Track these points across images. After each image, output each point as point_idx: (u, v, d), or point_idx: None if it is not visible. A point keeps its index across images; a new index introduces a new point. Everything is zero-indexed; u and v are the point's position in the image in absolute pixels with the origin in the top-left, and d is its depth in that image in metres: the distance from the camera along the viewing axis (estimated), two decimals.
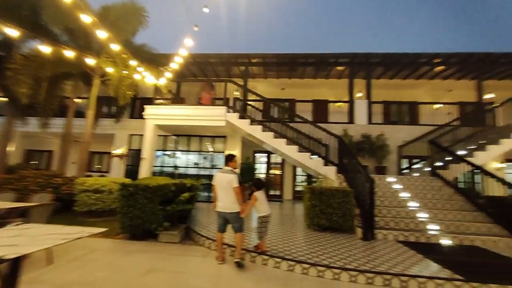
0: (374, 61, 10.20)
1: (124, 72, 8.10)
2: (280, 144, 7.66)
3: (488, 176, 5.72)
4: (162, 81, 7.96)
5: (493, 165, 8.86)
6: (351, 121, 9.77)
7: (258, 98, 9.25)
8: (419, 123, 10.62)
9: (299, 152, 7.59)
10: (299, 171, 11.84)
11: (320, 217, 5.18)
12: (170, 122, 8.31)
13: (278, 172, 12.00)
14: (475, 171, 6.57)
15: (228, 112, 8.11)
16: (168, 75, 7.62)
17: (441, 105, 10.89)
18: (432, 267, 3.43)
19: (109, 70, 7.68)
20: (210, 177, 9.81)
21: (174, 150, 10.35)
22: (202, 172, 10.07)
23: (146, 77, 7.47)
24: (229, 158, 3.97)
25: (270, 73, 12.00)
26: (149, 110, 8.36)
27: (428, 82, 12.00)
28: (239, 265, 3.55)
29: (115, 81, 8.20)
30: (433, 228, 5.07)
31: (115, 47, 5.64)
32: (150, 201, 4.57)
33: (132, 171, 10.36)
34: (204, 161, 10.31)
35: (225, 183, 3.73)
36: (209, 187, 9.72)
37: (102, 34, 5.05)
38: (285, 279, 3.26)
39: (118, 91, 8.34)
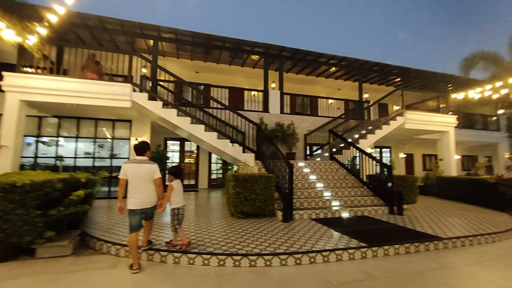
0: (285, 54, 10.87)
1: None
2: (199, 131, 7.11)
3: (370, 159, 7.14)
4: (31, 41, 5.81)
5: (368, 150, 11.31)
6: (265, 110, 10.18)
7: (171, 78, 8.22)
8: (319, 114, 12.26)
9: (219, 139, 7.28)
10: (214, 159, 11.57)
11: (244, 204, 5.12)
12: (48, 98, 6.25)
13: (192, 160, 11.33)
14: (357, 154, 8.19)
15: (134, 91, 6.84)
16: (43, 32, 5.60)
17: (333, 101, 12.93)
18: (343, 239, 3.94)
19: None
20: (110, 169, 8.18)
21: (56, 136, 7.98)
22: (98, 163, 8.25)
23: (2, 30, 5.24)
24: (146, 147, 3.40)
25: (183, 53, 10.93)
26: (10, 79, 6.01)
27: (325, 80, 13.95)
28: (149, 242, 3.56)
29: None
30: (335, 204, 5.94)
31: None
32: (21, 205, 3.24)
33: None
34: (100, 150, 8.45)
35: (144, 174, 3.14)
36: (110, 181, 8.12)
37: None
38: (217, 277, 2.98)
39: None
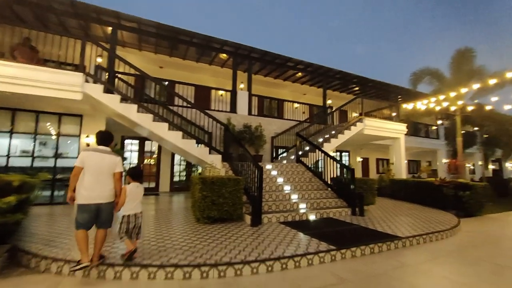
0: (254, 56, 10.82)
1: None
2: (162, 129, 6.59)
3: (333, 162, 7.40)
4: None
5: (331, 154, 11.80)
6: (233, 110, 9.97)
7: (132, 71, 7.51)
8: (285, 118, 12.46)
9: (184, 139, 6.84)
10: (177, 160, 10.94)
11: (212, 209, 4.84)
12: None
13: (153, 161, 10.55)
14: (321, 158, 8.45)
15: (87, 82, 6.07)
16: None
17: (299, 105, 13.27)
18: (313, 242, 3.92)
19: None
20: (53, 170, 7.14)
21: None
22: (39, 163, 7.14)
23: None
24: (111, 137, 3.19)
25: (146, 45, 10.18)
26: None
27: (291, 85, 14.29)
28: (101, 257, 2.99)
29: None
30: (303, 206, 5.98)
31: None
32: None
33: None
34: (42, 148, 7.33)
35: (107, 165, 2.92)
36: (53, 184, 7.09)
37: None
38: None
39: None
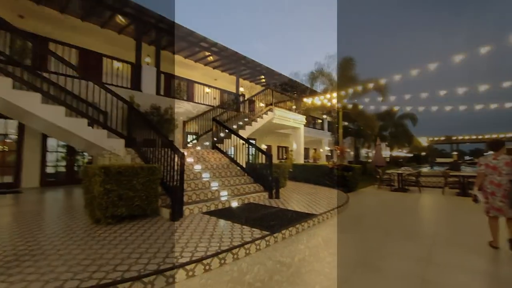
0: (163, 27, 9.41)
1: None
2: (31, 101, 4.65)
3: (246, 149, 7.51)
4: None
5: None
6: (136, 88, 8.39)
7: None
8: (195, 101, 11.65)
9: (68, 117, 5.11)
10: (52, 145, 8.26)
11: (118, 205, 3.81)
12: None
13: (7, 147, 7.53)
14: (234, 144, 8.46)
15: None
16: None
17: (210, 90, 12.73)
18: (245, 230, 3.73)
19: None
20: None
21: None
22: None
23: None
24: None
25: None
26: None
27: (202, 68, 13.53)
28: None
29: None
30: (224, 194, 5.71)
31: None
32: None
33: None
34: None
35: None
36: None
37: None
38: None
39: None
